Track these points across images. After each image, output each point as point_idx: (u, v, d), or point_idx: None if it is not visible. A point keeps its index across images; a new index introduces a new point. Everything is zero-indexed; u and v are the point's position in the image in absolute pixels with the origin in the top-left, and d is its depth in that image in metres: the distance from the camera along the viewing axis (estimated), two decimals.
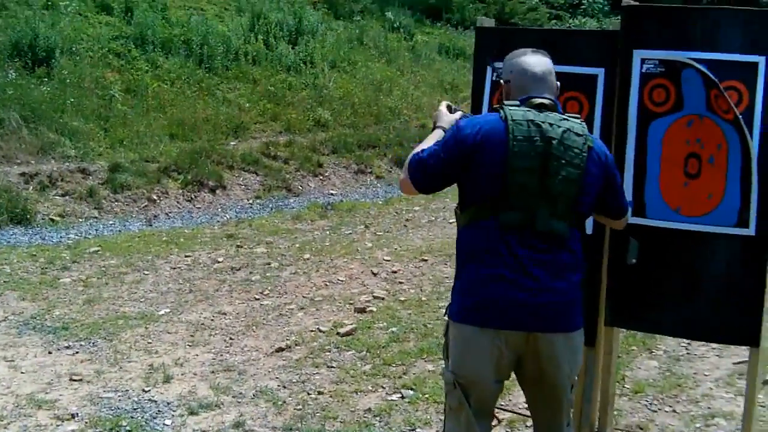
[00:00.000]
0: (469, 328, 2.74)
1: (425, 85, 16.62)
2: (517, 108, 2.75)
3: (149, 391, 4.74)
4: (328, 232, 9.31)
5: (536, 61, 2.87)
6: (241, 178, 11.41)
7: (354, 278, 7.37)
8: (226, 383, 4.87)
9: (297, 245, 8.55)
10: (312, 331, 5.86)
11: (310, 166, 12.23)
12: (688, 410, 4.56)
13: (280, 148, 12.33)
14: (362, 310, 6.33)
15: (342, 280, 7.27)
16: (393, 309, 6.41)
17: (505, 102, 2.82)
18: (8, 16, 12.37)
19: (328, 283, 7.15)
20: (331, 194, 11.81)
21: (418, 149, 2.94)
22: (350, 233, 9.31)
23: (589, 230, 3.37)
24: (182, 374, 5.01)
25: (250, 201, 10.96)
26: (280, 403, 4.61)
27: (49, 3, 13.15)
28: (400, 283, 7.24)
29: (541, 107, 2.77)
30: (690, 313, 3.30)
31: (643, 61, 3.31)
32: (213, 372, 5.06)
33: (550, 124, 2.71)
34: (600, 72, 3.43)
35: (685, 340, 5.32)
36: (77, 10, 13.54)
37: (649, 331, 3.98)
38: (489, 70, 3.65)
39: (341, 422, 4.37)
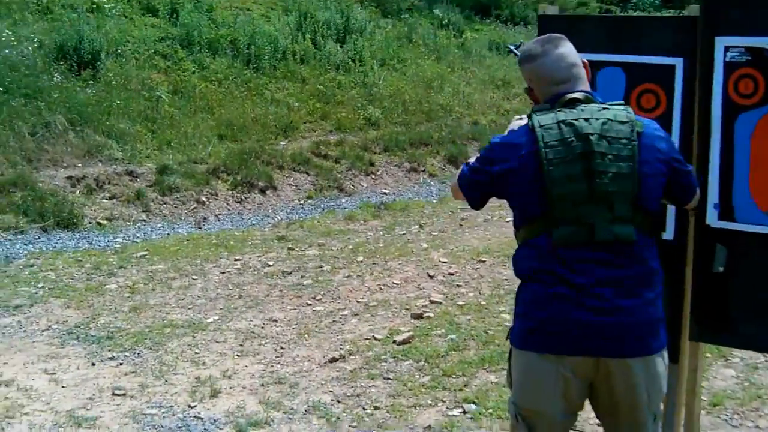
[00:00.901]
0: (530, 354, 2.43)
1: (476, 81, 16.16)
2: (546, 112, 2.44)
3: (195, 406, 4.46)
4: (381, 233, 8.96)
5: (554, 59, 2.52)
6: (292, 179, 11.14)
7: (410, 281, 7.01)
8: (277, 397, 4.56)
9: (350, 247, 8.21)
10: (367, 339, 5.52)
11: (361, 165, 11.90)
12: None
13: (330, 147, 12.03)
14: (419, 316, 5.97)
15: (397, 284, 6.91)
16: (451, 314, 6.04)
17: (534, 108, 2.52)
18: (53, 19, 12.30)
19: (382, 287, 6.80)
20: (384, 193, 11.45)
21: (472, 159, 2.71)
22: (404, 233, 8.95)
23: (669, 236, 3.01)
24: (230, 387, 4.71)
25: (302, 201, 10.67)
26: (333, 419, 4.29)
27: (94, 5, 13.05)
28: (458, 286, 6.85)
29: (573, 103, 2.44)
30: None
31: (726, 49, 2.89)
32: (263, 385, 4.75)
33: (586, 119, 2.37)
34: (678, 62, 3.01)
35: None
36: (122, 12, 13.45)
37: (740, 347, 3.48)
38: None
39: None
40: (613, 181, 2.33)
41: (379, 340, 5.46)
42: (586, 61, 2.60)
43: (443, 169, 12.74)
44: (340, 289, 6.73)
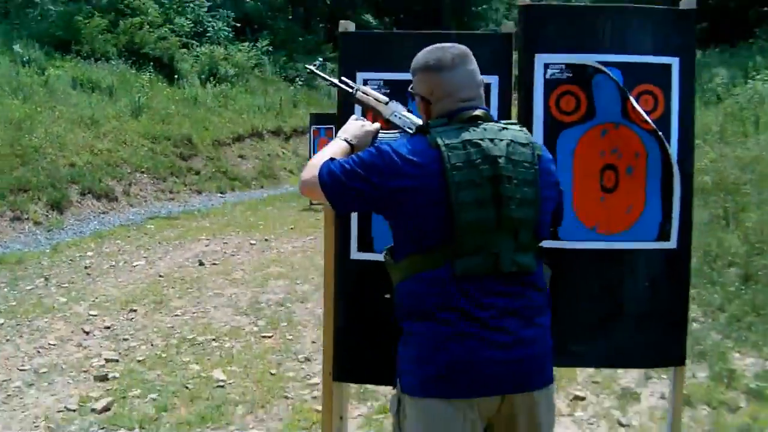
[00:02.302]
0: (433, 402, 2.16)
1: (65, 121, 15.02)
2: (446, 128, 2.23)
3: None
4: (7, 290, 7.82)
5: (462, 75, 2.32)
6: None
7: (66, 340, 6.21)
8: None
9: None
10: (60, 411, 4.70)
11: None
12: None
13: None
14: (103, 378, 5.28)
15: (54, 344, 6.06)
16: (137, 372, 5.45)
17: (430, 122, 2.30)
18: None
19: (40, 350, 5.91)
20: None
21: (321, 157, 2.37)
22: (32, 288, 7.94)
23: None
24: None
25: None
26: None
27: None
28: (125, 339, 6.25)
29: (474, 120, 2.25)
30: (614, 340, 3.01)
31: (546, 66, 2.98)
32: None
33: (491, 140, 2.19)
34: (493, 79, 3.02)
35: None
36: None
37: (570, 365, 3.52)
38: (360, 83, 3.07)
39: None
40: (519, 207, 2.17)
41: (74, 411, 4.69)
42: None
43: (48, 216, 11.67)
44: None
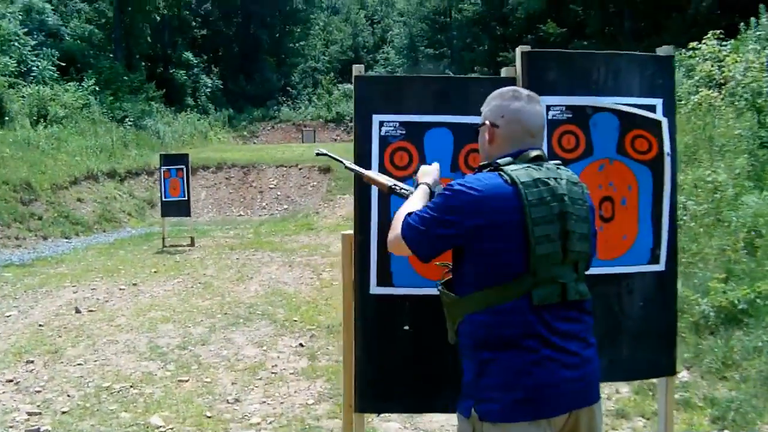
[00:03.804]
0: (521, 426, 2.32)
1: None
2: (516, 166, 2.42)
3: None
4: None
5: (534, 112, 2.53)
6: None
7: None
8: None
9: None
10: None
11: None
12: None
13: None
14: None
15: None
16: (68, 423, 5.26)
17: (498, 161, 2.47)
18: None
19: None
20: None
21: (405, 209, 2.57)
22: None
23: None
24: None
25: None
26: None
27: None
28: (38, 392, 5.98)
29: (536, 160, 2.48)
30: (614, 355, 3.30)
31: (548, 107, 3.24)
32: None
33: (555, 179, 2.41)
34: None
35: None
36: None
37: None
38: (375, 125, 3.21)
39: None
40: (579, 241, 2.41)
41: None
42: None
43: None
44: None
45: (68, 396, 5.85)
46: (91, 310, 8.94)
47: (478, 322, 2.40)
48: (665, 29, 25.88)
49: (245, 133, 38.42)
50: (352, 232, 3.22)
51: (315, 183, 21.77)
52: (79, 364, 6.70)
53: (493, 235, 2.33)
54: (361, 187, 3.19)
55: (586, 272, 2.54)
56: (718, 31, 11.80)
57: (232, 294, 9.80)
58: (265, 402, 5.69)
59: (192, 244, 14.57)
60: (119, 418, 5.35)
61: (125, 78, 30.88)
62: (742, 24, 12.61)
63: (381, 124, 3.20)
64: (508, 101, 2.53)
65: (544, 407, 2.33)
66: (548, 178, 2.39)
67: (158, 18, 36.23)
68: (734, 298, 5.86)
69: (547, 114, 3.22)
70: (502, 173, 2.39)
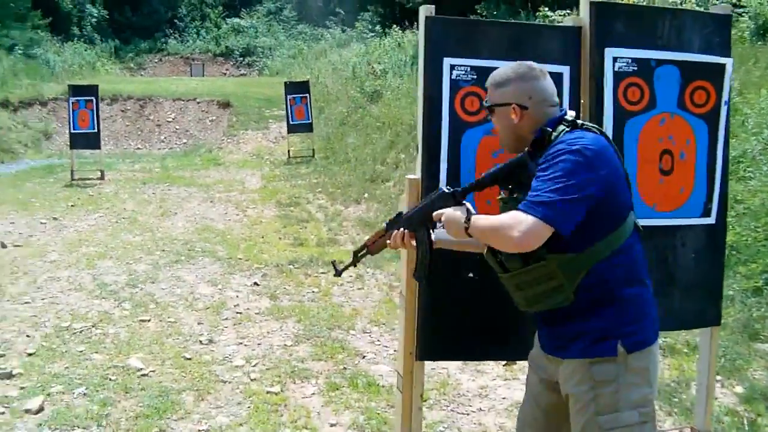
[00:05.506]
0: (655, 345, 2.54)
1: None
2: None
3: None
4: None
5: (550, 84, 2.62)
6: None
7: None
8: None
9: None
10: None
11: None
12: None
13: None
14: (8, 375, 4.89)
15: None
16: (38, 366, 5.13)
17: (578, 120, 2.54)
18: None
19: None
20: None
21: (499, 218, 2.42)
22: None
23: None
24: None
25: None
26: None
27: None
28: None
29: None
30: (665, 306, 3.35)
31: (615, 59, 3.25)
32: None
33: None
34: (565, 70, 3.25)
35: None
36: None
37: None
38: (446, 69, 3.13)
39: None
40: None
41: (3, 413, 4.33)
42: None
43: None
44: None
45: (27, 336, 5.64)
46: (17, 245, 8.62)
47: (612, 266, 2.45)
48: None
49: (132, 65, 36.94)
50: (417, 176, 3.14)
51: (214, 117, 21.43)
52: (26, 302, 6.48)
53: (616, 181, 2.43)
54: (430, 131, 3.12)
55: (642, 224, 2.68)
56: None
57: (161, 230, 9.65)
58: (241, 343, 5.62)
59: (102, 177, 14.22)
60: (91, 360, 5.21)
61: (11, 4, 29.11)
62: None
63: (452, 67, 3.13)
64: (530, 81, 2.58)
65: (657, 324, 2.58)
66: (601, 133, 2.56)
67: None
68: None
69: (614, 66, 3.24)
70: (585, 128, 2.50)
